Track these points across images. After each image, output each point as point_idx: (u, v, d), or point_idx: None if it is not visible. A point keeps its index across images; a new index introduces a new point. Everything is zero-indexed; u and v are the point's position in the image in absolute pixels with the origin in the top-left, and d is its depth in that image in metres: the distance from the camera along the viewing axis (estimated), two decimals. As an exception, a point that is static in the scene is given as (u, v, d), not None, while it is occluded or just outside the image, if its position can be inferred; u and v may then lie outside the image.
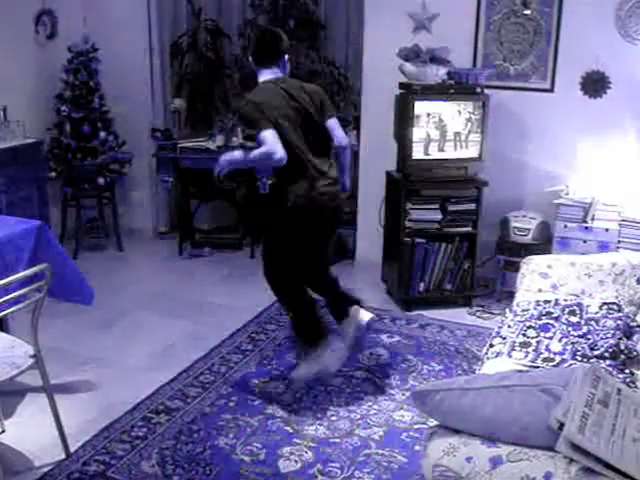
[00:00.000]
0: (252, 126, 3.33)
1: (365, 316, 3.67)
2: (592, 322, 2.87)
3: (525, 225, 4.56)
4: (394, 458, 3.02)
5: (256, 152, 3.27)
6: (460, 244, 4.60)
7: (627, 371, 2.59)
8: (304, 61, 5.51)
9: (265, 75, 3.49)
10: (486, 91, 4.46)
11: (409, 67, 4.37)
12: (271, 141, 3.21)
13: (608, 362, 2.62)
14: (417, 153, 4.40)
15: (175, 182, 5.60)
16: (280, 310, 4.52)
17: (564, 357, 2.69)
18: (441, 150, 4.46)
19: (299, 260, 3.52)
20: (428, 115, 4.38)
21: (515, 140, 4.76)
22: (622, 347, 2.70)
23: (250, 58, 3.59)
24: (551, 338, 2.81)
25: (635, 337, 2.84)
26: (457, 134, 4.46)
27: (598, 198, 4.37)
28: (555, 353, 2.71)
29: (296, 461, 2.99)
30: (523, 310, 3.08)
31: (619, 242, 4.27)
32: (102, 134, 5.35)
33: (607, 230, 4.29)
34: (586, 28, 4.43)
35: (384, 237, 4.71)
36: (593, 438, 1.91)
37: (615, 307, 2.96)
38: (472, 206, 4.55)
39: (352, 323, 3.65)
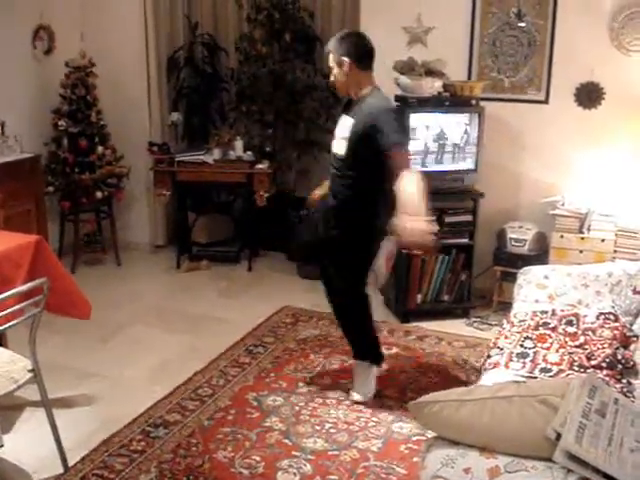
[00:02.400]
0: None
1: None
2: (589, 332, 2.87)
3: (521, 236, 4.57)
4: (392, 470, 3.02)
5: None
6: (457, 255, 4.61)
7: (624, 381, 2.60)
8: (300, 75, 5.53)
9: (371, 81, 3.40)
10: (481, 103, 4.49)
11: (404, 80, 4.40)
12: None
13: (605, 372, 2.62)
14: (414, 165, 4.41)
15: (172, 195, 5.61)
16: (285, 323, 4.54)
17: (561, 367, 2.69)
18: (439, 162, 4.48)
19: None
20: (427, 128, 4.40)
21: (511, 151, 4.78)
22: (619, 357, 2.70)
23: (349, 61, 3.31)
24: (548, 349, 2.82)
25: (632, 347, 2.84)
26: (455, 145, 4.49)
27: (594, 208, 4.39)
28: (552, 363, 2.72)
29: (295, 474, 2.99)
30: (520, 321, 3.08)
31: (615, 252, 4.28)
32: (100, 148, 5.36)
33: (603, 240, 4.30)
34: (580, 40, 4.47)
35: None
36: (590, 448, 1.91)
37: (612, 317, 2.97)
38: (469, 217, 4.57)
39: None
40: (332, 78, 3.45)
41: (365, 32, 4.87)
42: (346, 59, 3.32)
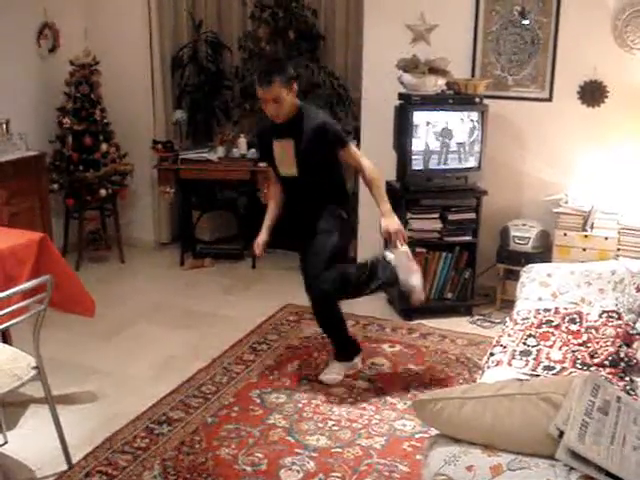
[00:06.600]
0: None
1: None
2: (592, 330, 2.87)
3: (525, 234, 4.57)
4: (395, 467, 3.02)
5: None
6: (460, 253, 4.62)
7: (627, 379, 2.60)
8: (304, 72, 5.53)
9: None
10: (485, 101, 4.49)
11: (408, 78, 4.40)
12: None
13: (608, 370, 2.63)
14: (417, 164, 4.42)
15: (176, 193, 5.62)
16: (289, 321, 4.54)
17: (564, 365, 2.69)
18: (444, 162, 4.47)
19: None
20: (427, 124, 4.40)
21: (514, 149, 4.78)
22: (622, 355, 2.70)
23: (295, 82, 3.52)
24: (551, 346, 2.82)
25: (635, 345, 2.84)
26: (460, 144, 4.48)
27: (597, 206, 4.38)
28: (555, 361, 2.72)
29: (298, 471, 2.99)
30: (523, 319, 3.08)
31: (618, 250, 4.28)
32: (104, 146, 5.37)
33: (606, 238, 4.30)
34: (583, 38, 4.46)
35: (385, 247, 4.71)
36: (593, 446, 1.91)
37: (615, 315, 2.97)
38: (472, 215, 4.58)
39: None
40: (283, 110, 3.46)
41: (368, 30, 4.94)
42: (294, 82, 3.49)
